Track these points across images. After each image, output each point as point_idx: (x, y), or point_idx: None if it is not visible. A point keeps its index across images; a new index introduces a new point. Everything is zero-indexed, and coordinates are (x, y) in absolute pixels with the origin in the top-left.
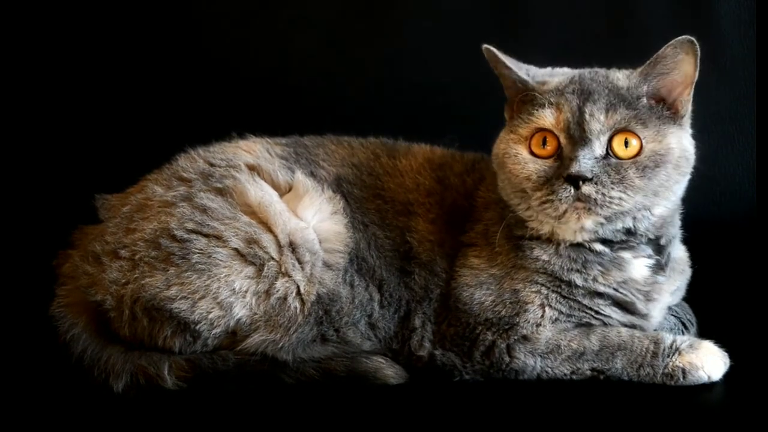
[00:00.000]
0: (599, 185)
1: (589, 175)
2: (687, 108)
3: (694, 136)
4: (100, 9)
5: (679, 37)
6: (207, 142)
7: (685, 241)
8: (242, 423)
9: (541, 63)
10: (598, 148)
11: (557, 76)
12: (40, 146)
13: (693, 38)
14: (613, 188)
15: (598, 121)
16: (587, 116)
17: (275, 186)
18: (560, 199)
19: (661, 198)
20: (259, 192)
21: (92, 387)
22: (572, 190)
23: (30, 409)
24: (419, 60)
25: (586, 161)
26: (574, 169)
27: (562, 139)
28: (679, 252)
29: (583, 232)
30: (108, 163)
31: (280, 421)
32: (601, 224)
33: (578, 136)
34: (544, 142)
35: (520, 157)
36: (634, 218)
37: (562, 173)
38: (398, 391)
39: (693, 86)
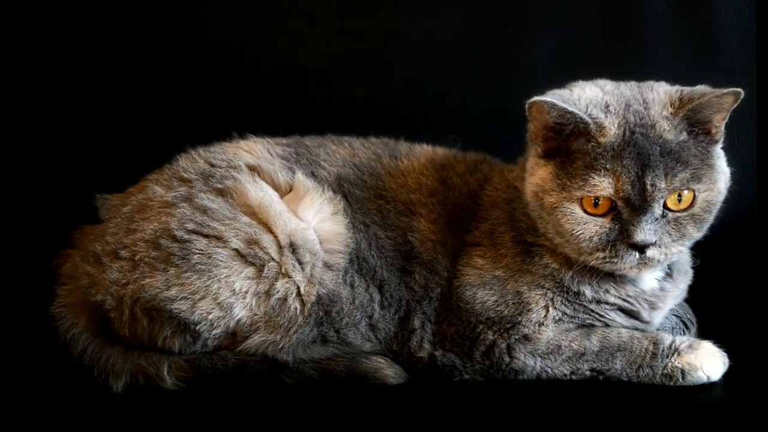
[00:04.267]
0: (662, 247)
1: (653, 241)
2: (721, 131)
3: None
4: (100, 9)
5: (727, 90)
6: (208, 142)
7: None
8: (242, 423)
9: (542, 63)
10: (657, 210)
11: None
12: (40, 146)
13: (740, 90)
14: (674, 245)
15: (659, 190)
16: (648, 186)
17: (276, 186)
18: (624, 262)
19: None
20: (260, 192)
21: (92, 387)
22: (637, 255)
23: (30, 409)
24: (420, 60)
25: (649, 227)
26: (639, 237)
27: (620, 204)
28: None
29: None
30: (108, 163)
31: (280, 421)
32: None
33: (638, 204)
34: (596, 202)
35: (575, 216)
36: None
37: (625, 240)
38: (398, 391)
39: (729, 113)
